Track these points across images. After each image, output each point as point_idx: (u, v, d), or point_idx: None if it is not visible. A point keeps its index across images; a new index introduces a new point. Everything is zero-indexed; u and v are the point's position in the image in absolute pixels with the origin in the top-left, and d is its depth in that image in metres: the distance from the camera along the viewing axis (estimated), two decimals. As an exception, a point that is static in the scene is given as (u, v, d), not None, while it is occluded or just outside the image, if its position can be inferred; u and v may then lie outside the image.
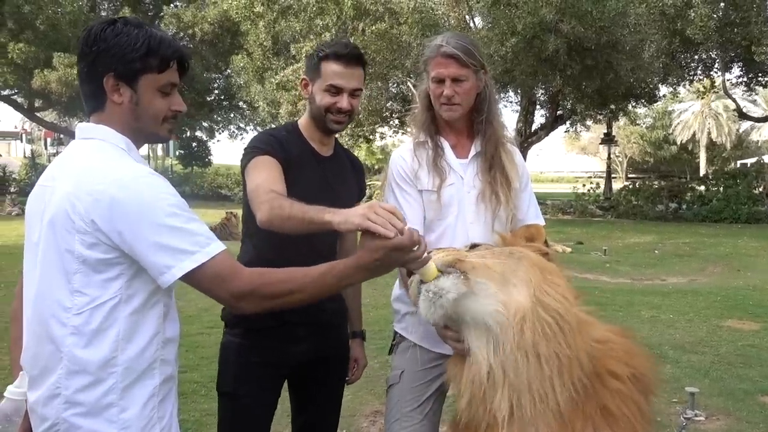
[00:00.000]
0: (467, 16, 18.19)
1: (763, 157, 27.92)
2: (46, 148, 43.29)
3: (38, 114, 29.00)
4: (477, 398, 1.62)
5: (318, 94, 2.21)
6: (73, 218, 1.42)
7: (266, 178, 2.01)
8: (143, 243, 1.41)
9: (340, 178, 2.32)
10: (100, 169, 1.44)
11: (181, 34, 24.48)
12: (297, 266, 1.53)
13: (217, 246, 1.46)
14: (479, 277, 1.65)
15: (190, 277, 1.43)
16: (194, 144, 36.46)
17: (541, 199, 24.37)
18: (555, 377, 1.55)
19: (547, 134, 22.96)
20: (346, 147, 2.58)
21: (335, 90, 2.18)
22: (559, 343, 1.55)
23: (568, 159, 70.34)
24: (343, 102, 2.19)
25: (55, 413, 1.46)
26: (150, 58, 1.51)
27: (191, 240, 1.43)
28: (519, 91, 20.91)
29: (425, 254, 1.56)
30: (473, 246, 1.88)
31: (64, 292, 1.45)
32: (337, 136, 2.42)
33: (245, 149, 2.19)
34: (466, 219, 2.20)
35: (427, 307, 1.64)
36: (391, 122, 21.85)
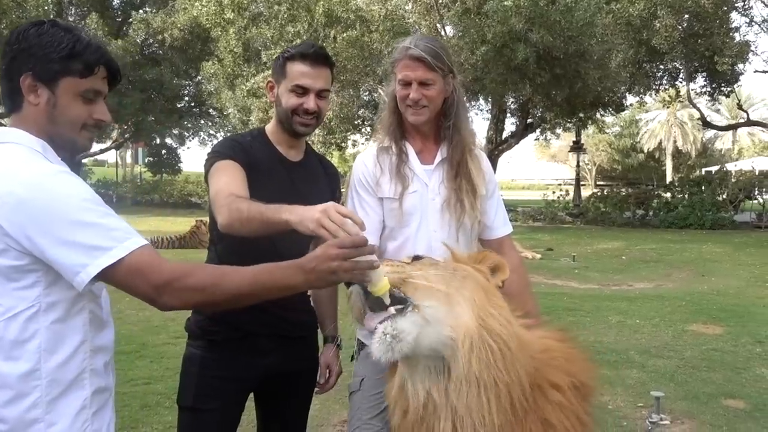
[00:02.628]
0: (438, 25, 18.33)
1: (727, 164, 28.63)
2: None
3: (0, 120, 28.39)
4: (413, 423, 1.58)
5: (284, 96, 2.15)
6: None
7: (227, 182, 1.96)
8: (54, 243, 1.32)
9: (309, 183, 2.25)
10: (8, 172, 1.36)
11: (150, 39, 24.15)
12: None
13: (137, 240, 1.37)
14: (426, 300, 1.55)
15: (108, 275, 1.34)
16: (164, 151, 36.09)
17: (512, 206, 24.63)
18: (493, 403, 1.52)
19: (517, 142, 23.19)
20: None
21: (301, 90, 2.13)
22: (499, 369, 1.52)
23: (539, 166, 71.47)
24: (310, 103, 2.13)
25: None
26: (72, 61, 1.46)
27: (107, 235, 1.34)
28: (489, 99, 21.09)
29: (372, 260, 1.46)
30: (416, 258, 1.80)
31: None
32: (308, 141, 2.37)
33: (208, 155, 2.14)
34: (429, 227, 2.17)
35: (384, 350, 1.50)
36: (363, 129, 21.85)
